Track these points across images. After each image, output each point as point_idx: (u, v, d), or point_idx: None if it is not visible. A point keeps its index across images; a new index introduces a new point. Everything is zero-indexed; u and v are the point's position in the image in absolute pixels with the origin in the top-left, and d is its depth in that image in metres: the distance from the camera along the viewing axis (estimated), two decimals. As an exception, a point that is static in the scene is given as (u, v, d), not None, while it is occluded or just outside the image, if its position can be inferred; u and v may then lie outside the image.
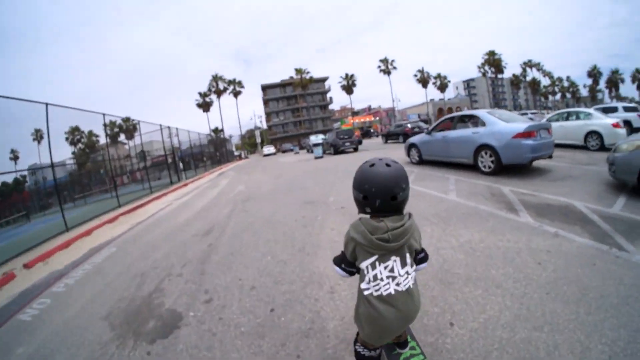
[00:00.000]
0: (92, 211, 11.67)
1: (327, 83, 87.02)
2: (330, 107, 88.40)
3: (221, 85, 69.97)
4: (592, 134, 13.03)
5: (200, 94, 70.39)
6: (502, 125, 9.17)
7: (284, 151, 55.97)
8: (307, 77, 74.36)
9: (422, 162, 12.21)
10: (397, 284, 1.94)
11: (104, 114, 12.80)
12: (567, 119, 14.48)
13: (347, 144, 24.91)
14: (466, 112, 10.94)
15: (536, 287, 3.15)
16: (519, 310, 2.81)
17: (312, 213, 6.92)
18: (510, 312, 2.81)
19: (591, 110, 14.20)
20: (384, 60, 74.90)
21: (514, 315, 2.76)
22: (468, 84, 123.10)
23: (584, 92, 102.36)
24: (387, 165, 1.92)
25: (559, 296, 2.97)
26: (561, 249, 3.92)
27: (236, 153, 60.52)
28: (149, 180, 16.95)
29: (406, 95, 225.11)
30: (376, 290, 1.94)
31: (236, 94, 70.80)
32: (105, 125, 13.68)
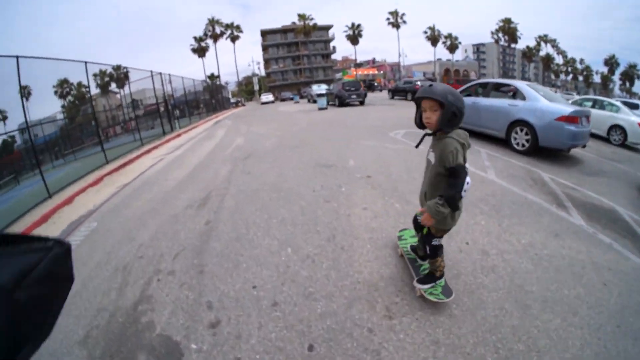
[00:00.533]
0: (78, 170, 10.37)
1: (331, 32, 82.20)
2: (333, 56, 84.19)
3: (218, 30, 66.34)
4: (617, 127, 12.72)
5: (195, 38, 66.95)
6: (545, 103, 8.22)
7: (282, 100, 52.93)
8: (311, 23, 70.23)
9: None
10: None
11: (85, 62, 11.15)
12: (592, 106, 13.75)
13: (354, 96, 23.31)
14: (503, 80, 9.86)
15: (608, 316, 2.78)
16: (598, 347, 2.47)
17: (332, 181, 5.79)
18: (591, 349, 2.46)
19: (619, 104, 13.72)
20: (394, 13, 70.97)
21: (595, 354, 2.41)
22: (478, 48, 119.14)
23: (596, 79, 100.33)
24: (430, 85, 2.38)
25: (629, 331, 2.64)
26: (619, 268, 3.55)
27: (233, 101, 57.83)
28: (139, 131, 15.70)
29: (413, 53, 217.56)
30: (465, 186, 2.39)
31: (234, 38, 67.38)
32: (93, 75, 12.25)
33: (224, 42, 79.25)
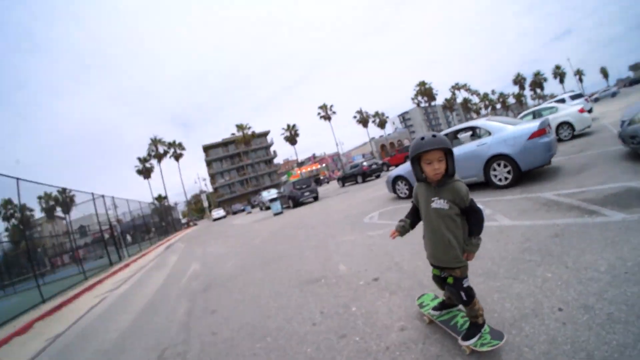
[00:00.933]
0: (8, 310, 9.00)
1: (269, 137, 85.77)
2: (275, 161, 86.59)
3: (161, 149, 65.63)
4: (563, 124, 13.87)
5: (139, 159, 65.34)
6: (512, 128, 8.21)
7: (234, 212, 52.21)
8: (249, 132, 72.26)
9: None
10: None
11: (17, 179, 9.97)
12: (533, 118, 14.83)
13: (307, 193, 22.69)
14: (461, 125, 9.47)
15: None
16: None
17: (333, 301, 4.21)
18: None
19: (554, 104, 15.17)
20: (323, 107, 74.98)
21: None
22: (404, 117, 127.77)
23: (512, 100, 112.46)
24: (434, 136, 2.49)
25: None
26: None
27: (183, 221, 56.03)
28: (81, 262, 13.96)
29: (349, 138, 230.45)
30: None
31: (177, 156, 66.81)
32: (38, 197, 10.79)
33: (168, 162, 79.40)
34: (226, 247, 12.44)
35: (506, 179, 8.08)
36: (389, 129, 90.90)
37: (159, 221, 33.23)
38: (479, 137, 8.81)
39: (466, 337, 2.66)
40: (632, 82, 72.51)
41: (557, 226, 4.65)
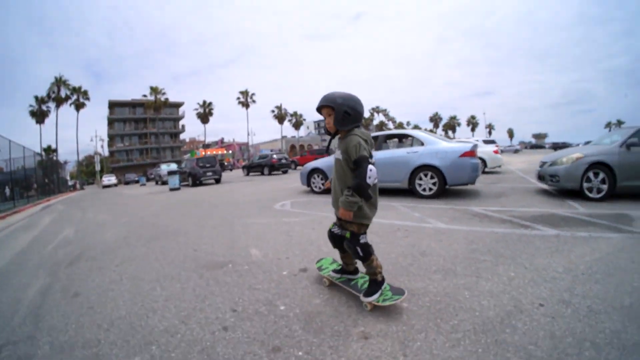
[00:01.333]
0: None
1: (181, 109, 79.03)
2: (182, 136, 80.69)
3: (63, 92, 56.14)
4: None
5: (37, 98, 55.44)
6: (445, 144, 8.57)
7: (127, 182, 46.52)
8: (163, 98, 64.74)
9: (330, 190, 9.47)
10: None
11: None
12: None
13: (209, 173, 21.01)
14: (395, 131, 9.78)
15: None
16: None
17: (249, 295, 3.22)
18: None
19: (473, 141, 15.56)
20: (245, 93, 71.92)
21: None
22: (319, 124, 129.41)
23: None
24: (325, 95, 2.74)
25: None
26: (621, 246, 4.03)
27: (70, 183, 48.57)
28: None
29: (261, 132, 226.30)
30: (374, 180, 2.60)
31: (79, 105, 57.60)
32: None
33: (67, 112, 69.90)
34: (110, 215, 10.63)
35: (430, 189, 8.32)
36: (302, 131, 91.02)
37: (43, 178, 28.89)
38: (410, 146, 9.00)
39: (367, 294, 2.78)
40: (532, 147, 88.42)
41: (496, 233, 4.79)
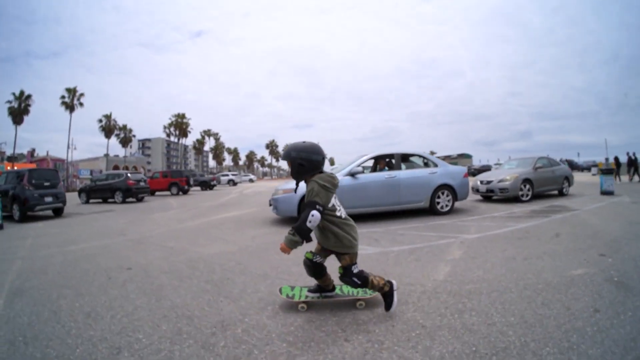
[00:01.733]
0: None
1: None
2: None
3: None
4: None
5: None
6: (451, 166, 10.03)
7: None
8: None
9: None
10: None
11: None
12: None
13: (49, 198, 13.40)
14: (409, 151, 9.97)
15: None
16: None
17: None
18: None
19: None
20: (71, 91, 57.59)
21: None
22: (144, 143, 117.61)
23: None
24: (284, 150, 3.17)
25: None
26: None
27: None
28: None
29: (82, 145, 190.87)
30: (344, 214, 3.04)
31: None
32: None
33: None
34: None
35: (447, 206, 9.40)
36: (130, 150, 79.77)
37: None
38: (421, 166, 9.76)
39: (388, 307, 3.08)
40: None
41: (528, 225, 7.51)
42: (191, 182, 29.68)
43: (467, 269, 4.43)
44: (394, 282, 3.13)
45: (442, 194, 9.24)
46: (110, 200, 20.93)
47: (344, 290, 3.47)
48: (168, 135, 79.30)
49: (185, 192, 27.95)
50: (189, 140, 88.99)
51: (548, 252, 5.06)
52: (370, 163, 9.74)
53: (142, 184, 21.32)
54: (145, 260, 5.89)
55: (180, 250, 6.56)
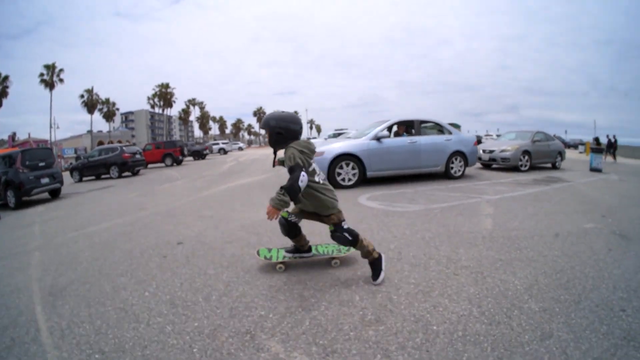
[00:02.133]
0: None
1: None
2: None
3: None
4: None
5: None
6: (463, 134, 11.17)
7: None
8: None
9: (361, 182, 8.86)
10: None
11: None
12: None
13: (45, 179, 12.17)
14: (428, 118, 10.27)
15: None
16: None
17: None
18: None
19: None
20: (50, 67, 53.94)
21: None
22: (127, 117, 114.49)
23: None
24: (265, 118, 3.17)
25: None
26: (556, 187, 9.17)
27: None
28: None
29: (65, 123, 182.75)
30: (322, 180, 3.11)
31: None
32: None
33: None
34: None
35: (459, 171, 9.98)
36: (113, 124, 77.12)
37: None
38: (440, 133, 10.16)
39: (376, 276, 3.14)
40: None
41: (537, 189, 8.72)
42: (185, 153, 28.51)
43: (504, 221, 5.37)
44: (383, 255, 3.23)
45: (456, 159, 9.83)
46: (104, 176, 19.83)
47: (319, 250, 3.64)
48: (152, 107, 76.47)
49: (179, 162, 26.98)
50: (174, 111, 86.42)
51: (560, 211, 6.04)
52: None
53: (137, 156, 20.26)
54: (192, 232, 5.42)
55: (225, 219, 6.20)
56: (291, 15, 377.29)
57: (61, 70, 55.57)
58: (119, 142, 69.18)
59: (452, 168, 9.77)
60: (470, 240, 4.32)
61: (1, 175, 11.65)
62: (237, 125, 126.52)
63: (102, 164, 19.61)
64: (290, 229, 3.31)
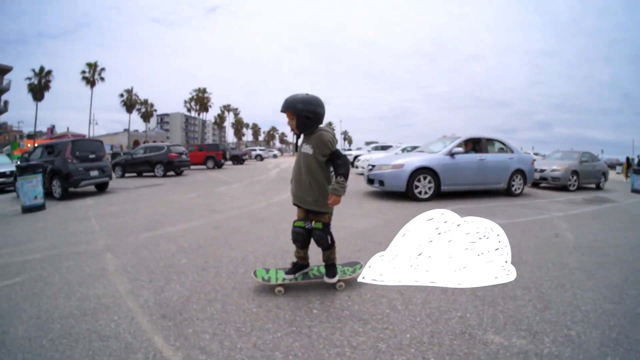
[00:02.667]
0: None
1: (7, 77, 48.04)
2: (3, 117, 50.35)
3: None
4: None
5: None
6: (522, 153, 11.12)
7: None
8: None
9: (435, 195, 8.78)
10: None
11: None
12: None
13: (95, 172, 11.38)
14: (492, 137, 10.58)
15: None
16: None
17: None
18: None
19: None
20: (92, 66, 54.57)
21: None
22: (162, 118, 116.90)
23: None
24: (286, 100, 2.92)
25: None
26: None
27: None
28: None
29: (101, 122, 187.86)
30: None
31: None
32: None
33: None
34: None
35: (519, 189, 10.12)
36: (150, 125, 78.30)
37: None
38: (503, 152, 10.37)
39: (331, 275, 3.07)
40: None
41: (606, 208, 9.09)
42: (227, 156, 27.95)
43: (581, 234, 5.68)
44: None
45: (517, 177, 9.96)
46: (145, 174, 19.21)
47: (321, 271, 3.30)
48: (189, 110, 77.11)
49: (220, 166, 26.25)
50: (209, 116, 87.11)
51: (621, 227, 6.49)
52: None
53: (183, 157, 19.63)
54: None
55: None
56: (323, 25, 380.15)
57: (102, 69, 56.15)
58: (154, 141, 70.02)
59: (513, 186, 9.92)
60: (565, 249, 4.76)
61: (47, 165, 10.85)
62: (271, 132, 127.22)
63: (146, 162, 18.96)
64: (307, 237, 3.07)
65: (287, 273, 3.20)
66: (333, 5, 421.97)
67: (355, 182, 11.47)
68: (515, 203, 8.73)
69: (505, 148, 10.30)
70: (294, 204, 3.14)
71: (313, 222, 2.97)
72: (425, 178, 8.59)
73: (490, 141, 10.27)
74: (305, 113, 2.82)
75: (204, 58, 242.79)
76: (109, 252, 4.40)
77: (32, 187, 9.01)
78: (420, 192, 8.55)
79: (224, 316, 2.63)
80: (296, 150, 3.15)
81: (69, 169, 10.74)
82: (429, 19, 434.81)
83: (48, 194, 10.44)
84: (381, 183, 8.97)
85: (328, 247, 2.97)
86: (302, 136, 3.03)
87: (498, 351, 2.20)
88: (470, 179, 9.29)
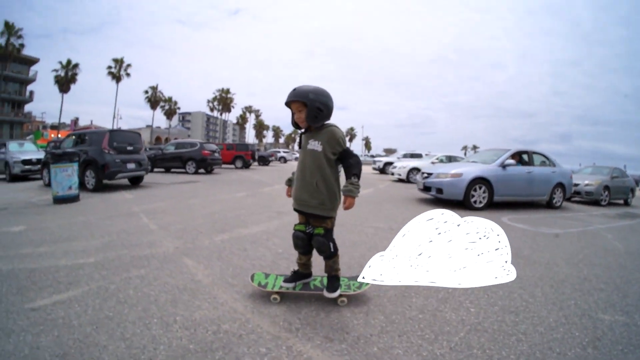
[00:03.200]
0: None
1: (33, 69, 51.90)
2: (27, 108, 53.37)
3: None
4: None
5: None
6: (563, 166, 10.97)
7: None
8: (17, 43, 44.06)
9: (488, 205, 8.89)
10: None
11: None
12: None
13: (131, 164, 10.75)
14: (538, 150, 10.80)
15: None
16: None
17: None
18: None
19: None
20: (118, 62, 55.41)
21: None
22: (184, 117, 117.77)
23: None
24: (294, 89, 2.64)
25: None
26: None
27: None
28: None
29: (124, 117, 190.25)
30: None
31: None
32: None
33: None
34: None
35: (559, 202, 10.36)
36: (172, 122, 78.55)
37: None
38: (545, 165, 10.55)
39: (332, 289, 2.76)
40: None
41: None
42: (256, 157, 27.53)
43: (628, 244, 6.02)
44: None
45: (557, 190, 10.22)
46: (174, 170, 18.72)
47: (324, 282, 2.95)
48: (211, 110, 77.59)
49: (248, 166, 25.61)
50: (231, 116, 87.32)
51: None
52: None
53: (216, 155, 19.01)
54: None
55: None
56: (343, 31, 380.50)
57: (129, 65, 56.75)
58: (176, 138, 70.03)
59: (554, 198, 10.19)
60: (621, 256, 5.10)
61: (80, 154, 10.07)
62: (291, 135, 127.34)
63: (177, 158, 18.36)
64: (309, 242, 2.81)
65: (285, 281, 2.98)
66: (354, 12, 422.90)
67: (394, 189, 12.91)
68: (558, 215, 9.06)
69: (547, 161, 10.58)
70: (295, 210, 2.87)
71: (314, 228, 2.74)
72: (480, 188, 8.86)
73: (535, 154, 10.55)
74: (317, 104, 2.58)
75: (225, 59, 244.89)
76: (185, 257, 3.66)
77: (68, 176, 8.27)
78: (475, 202, 8.79)
79: None
80: (299, 147, 2.86)
81: (106, 160, 10.06)
82: (449, 27, 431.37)
83: (81, 186, 9.75)
84: (439, 191, 9.17)
85: (330, 255, 2.73)
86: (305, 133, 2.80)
87: None
88: (518, 190, 9.56)
